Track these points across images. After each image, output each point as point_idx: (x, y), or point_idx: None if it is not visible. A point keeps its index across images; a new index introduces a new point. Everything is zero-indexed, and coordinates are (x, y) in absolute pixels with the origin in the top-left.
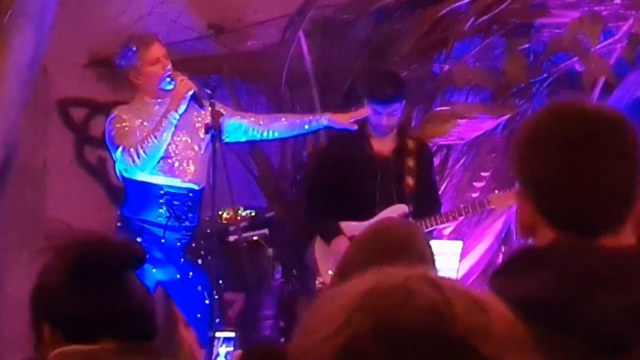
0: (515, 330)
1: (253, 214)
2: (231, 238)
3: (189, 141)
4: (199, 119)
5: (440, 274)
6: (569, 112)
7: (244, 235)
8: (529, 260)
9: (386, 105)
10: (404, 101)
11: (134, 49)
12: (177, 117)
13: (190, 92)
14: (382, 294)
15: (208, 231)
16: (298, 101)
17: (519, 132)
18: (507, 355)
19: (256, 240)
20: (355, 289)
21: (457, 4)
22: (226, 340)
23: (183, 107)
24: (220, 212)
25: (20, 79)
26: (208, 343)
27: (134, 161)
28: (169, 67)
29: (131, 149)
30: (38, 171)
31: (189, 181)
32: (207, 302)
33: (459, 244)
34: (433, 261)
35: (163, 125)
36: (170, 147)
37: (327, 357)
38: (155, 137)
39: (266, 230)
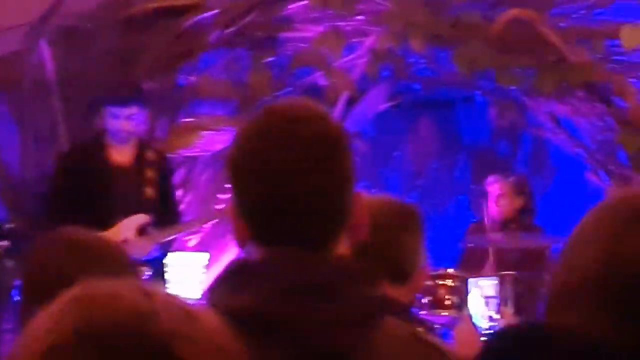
0: (225, 342)
1: None
2: None
3: None
4: None
5: (185, 285)
6: (268, 130)
7: None
8: (242, 273)
9: (123, 107)
10: (145, 109)
11: None
12: None
13: None
14: (86, 299)
15: None
16: (41, 111)
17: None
18: None
19: None
20: (62, 298)
21: (203, 15)
22: None
23: None
24: None
25: None
26: None
27: None
28: None
29: None
30: None
31: None
32: None
33: (205, 256)
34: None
35: None
36: None
37: None
38: None
39: (6, 242)
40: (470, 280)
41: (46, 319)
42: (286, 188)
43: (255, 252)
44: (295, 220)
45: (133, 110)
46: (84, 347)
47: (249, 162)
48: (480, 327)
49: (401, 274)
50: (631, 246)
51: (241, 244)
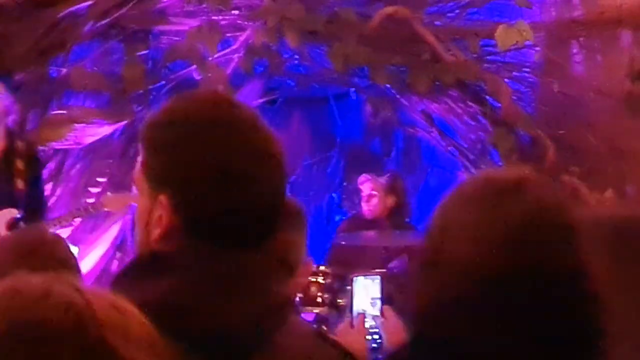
0: (151, 333)
1: None
2: None
3: None
4: None
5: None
6: (218, 118)
7: None
8: (153, 265)
9: None
10: (11, 93)
11: None
12: None
13: None
14: (17, 294)
15: None
16: None
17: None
18: (145, 357)
19: None
20: None
21: (76, 7)
22: None
23: None
24: None
25: None
26: None
27: None
28: None
29: None
30: None
31: None
32: None
33: (74, 250)
34: (77, 271)
35: None
36: None
37: None
38: None
39: None
40: (353, 277)
41: None
42: (239, 188)
43: (174, 243)
44: (243, 220)
45: None
46: (17, 341)
47: (197, 155)
48: (364, 326)
49: (288, 270)
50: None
51: (158, 237)
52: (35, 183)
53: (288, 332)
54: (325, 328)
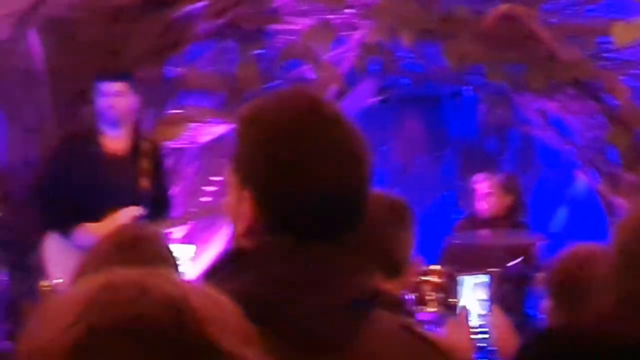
0: (247, 326)
1: None
2: None
3: None
4: None
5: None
6: (301, 115)
7: None
8: (238, 259)
9: (112, 83)
10: (134, 91)
11: None
12: None
13: None
14: (116, 288)
15: None
16: (28, 101)
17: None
18: (241, 349)
19: None
20: (88, 285)
21: (192, 6)
22: None
23: None
24: None
25: None
26: None
27: None
28: None
29: None
30: None
31: None
32: None
33: (192, 248)
34: (175, 266)
35: None
36: None
37: (59, 354)
38: None
39: None
40: (461, 277)
41: (73, 306)
42: (320, 184)
43: (256, 240)
44: (321, 214)
45: (121, 86)
46: (120, 340)
47: (279, 152)
48: (471, 325)
49: (393, 267)
50: None
51: (244, 232)
52: (160, 182)
53: (374, 325)
54: (415, 322)
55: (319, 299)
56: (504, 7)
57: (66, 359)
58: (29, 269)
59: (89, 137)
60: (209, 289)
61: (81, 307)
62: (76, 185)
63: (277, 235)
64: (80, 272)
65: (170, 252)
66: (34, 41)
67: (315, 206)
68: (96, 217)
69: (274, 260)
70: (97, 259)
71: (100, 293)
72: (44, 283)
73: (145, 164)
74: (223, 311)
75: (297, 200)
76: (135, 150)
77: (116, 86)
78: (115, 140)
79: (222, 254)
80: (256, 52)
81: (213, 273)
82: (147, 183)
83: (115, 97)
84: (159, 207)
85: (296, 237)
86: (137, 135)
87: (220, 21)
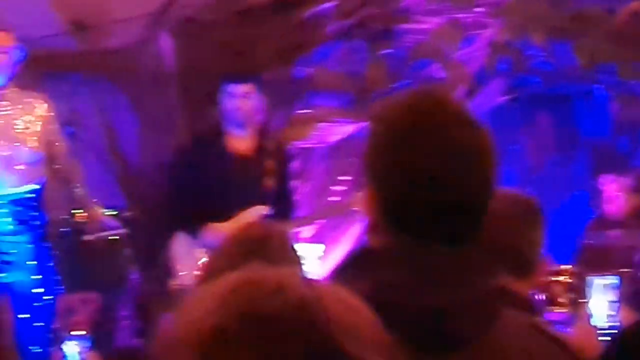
0: (379, 331)
1: (111, 213)
2: (87, 237)
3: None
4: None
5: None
6: (422, 115)
7: (100, 234)
8: (364, 259)
9: (239, 84)
10: (260, 92)
11: None
12: None
13: None
14: (252, 286)
15: (63, 230)
16: (160, 101)
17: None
18: (368, 355)
19: (113, 239)
20: (224, 283)
21: (321, 7)
22: (77, 339)
23: None
24: (74, 211)
25: None
26: (47, 344)
27: None
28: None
29: None
30: None
31: (25, 183)
32: (47, 302)
33: (320, 247)
34: (300, 265)
35: None
36: None
37: (191, 347)
38: None
39: (124, 230)
40: (590, 278)
41: (210, 301)
42: (442, 182)
43: (383, 237)
44: (443, 216)
45: (249, 88)
46: (249, 332)
47: (401, 154)
48: (600, 326)
49: (523, 267)
50: None
51: (370, 231)
52: (284, 182)
53: (501, 324)
54: (543, 321)
55: (445, 299)
56: (635, 5)
57: (200, 352)
58: (159, 268)
59: (215, 137)
60: (345, 292)
61: (215, 303)
62: (203, 185)
63: (401, 235)
64: (209, 271)
65: (296, 252)
66: (165, 43)
67: (438, 207)
68: (223, 216)
69: (400, 261)
70: (225, 258)
71: (235, 290)
72: (173, 282)
73: (270, 163)
74: (356, 316)
75: (419, 200)
76: (260, 150)
77: (243, 88)
78: (240, 140)
79: (349, 253)
80: (385, 51)
81: (340, 272)
82: (272, 182)
83: (242, 99)
84: (283, 206)
85: (420, 237)
86: (262, 135)
87: (349, 21)
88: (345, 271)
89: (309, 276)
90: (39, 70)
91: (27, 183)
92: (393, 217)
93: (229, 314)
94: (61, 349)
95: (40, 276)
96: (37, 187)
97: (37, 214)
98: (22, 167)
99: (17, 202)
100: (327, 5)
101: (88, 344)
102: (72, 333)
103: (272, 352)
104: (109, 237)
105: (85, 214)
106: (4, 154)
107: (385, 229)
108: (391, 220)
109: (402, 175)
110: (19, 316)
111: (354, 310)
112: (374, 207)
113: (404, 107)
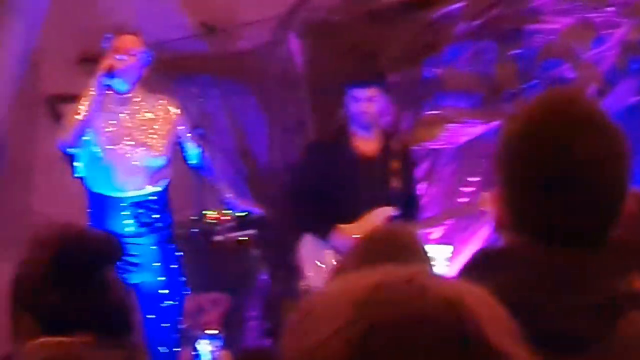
0: (515, 326)
1: (240, 214)
2: (217, 238)
3: (137, 145)
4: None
5: None
6: (556, 115)
7: (230, 235)
8: (491, 261)
9: (364, 88)
10: (385, 94)
11: (110, 35)
12: (89, 93)
13: (105, 71)
14: (394, 287)
15: (192, 231)
16: (288, 102)
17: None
18: (512, 348)
19: (242, 240)
20: (360, 283)
21: (449, 8)
22: (209, 338)
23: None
24: (205, 212)
25: (10, 74)
26: (174, 344)
27: (63, 140)
28: (128, 64)
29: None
30: (26, 167)
31: (147, 186)
32: (173, 302)
33: (449, 249)
34: (431, 266)
35: (81, 100)
36: (118, 159)
37: (338, 353)
38: (76, 113)
39: (253, 231)
40: None
41: (340, 307)
42: (574, 183)
43: (510, 238)
44: (573, 217)
45: (373, 92)
46: (401, 339)
47: (533, 154)
48: None
49: None
50: None
51: (498, 229)
52: (409, 182)
53: (629, 326)
54: None
55: (572, 300)
56: None
57: (347, 356)
58: (289, 268)
59: (341, 138)
60: (480, 289)
61: (359, 305)
62: (329, 186)
63: (529, 236)
64: (340, 273)
65: (426, 252)
66: (294, 44)
67: (569, 208)
68: (349, 218)
69: (529, 262)
70: (355, 260)
71: (377, 291)
72: (301, 283)
73: (395, 164)
74: (495, 311)
75: (550, 201)
76: (386, 151)
77: (367, 92)
78: (366, 142)
79: (476, 253)
80: (514, 51)
81: (464, 273)
82: (398, 183)
83: (366, 103)
84: (410, 207)
85: (548, 238)
86: (388, 137)
87: (478, 22)
88: (470, 272)
89: (439, 275)
90: (170, 73)
91: (150, 185)
92: (522, 217)
93: (374, 318)
94: (191, 348)
95: (166, 277)
96: (160, 189)
97: (159, 216)
98: (145, 169)
99: (140, 204)
100: (456, 5)
101: (220, 343)
102: (205, 332)
103: (425, 354)
104: (239, 238)
105: (216, 215)
106: (128, 156)
107: (514, 230)
108: (520, 221)
109: (533, 175)
110: (146, 317)
111: (493, 306)
112: (503, 207)
113: (538, 107)
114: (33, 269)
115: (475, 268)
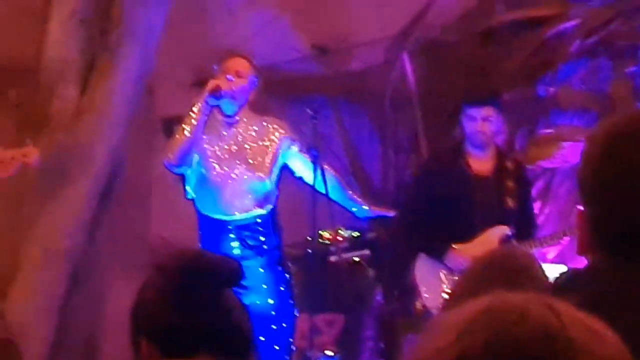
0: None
1: (355, 234)
2: (332, 258)
3: (246, 170)
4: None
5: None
6: (634, 138)
7: (345, 255)
8: (574, 280)
9: (479, 108)
10: (500, 113)
11: (221, 58)
12: (195, 113)
13: (212, 92)
14: (496, 313)
15: (307, 251)
16: (401, 122)
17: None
18: None
19: (357, 261)
20: (469, 308)
21: (563, 26)
22: (325, 359)
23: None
24: (321, 232)
25: (126, 98)
26: None
27: (168, 160)
28: (236, 86)
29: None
30: (143, 190)
31: (252, 209)
32: (284, 324)
33: (563, 269)
34: (550, 291)
35: (186, 120)
36: (223, 181)
37: None
38: (181, 133)
39: (367, 251)
40: None
41: (454, 329)
42: None
43: (591, 259)
44: None
45: (489, 111)
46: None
47: (609, 171)
48: None
49: None
50: None
51: (580, 252)
52: (525, 202)
53: None
54: None
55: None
56: None
57: None
58: (403, 288)
59: (455, 157)
60: (591, 319)
61: (459, 330)
62: (444, 205)
63: (609, 254)
64: (456, 295)
65: (545, 275)
66: (407, 64)
67: None
68: (464, 237)
69: (605, 280)
70: (471, 283)
71: (480, 316)
72: (417, 303)
73: (510, 183)
74: (604, 346)
75: (626, 218)
76: (500, 170)
77: (483, 111)
78: (481, 161)
79: (560, 274)
80: (630, 69)
81: (556, 292)
82: (513, 203)
83: (482, 122)
84: (525, 226)
85: (627, 256)
86: (502, 155)
87: (593, 39)
88: (555, 291)
89: (552, 301)
90: (284, 94)
91: (255, 208)
92: (602, 235)
93: (474, 344)
94: None
95: (274, 300)
96: (265, 212)
97: (265, 238)
98: (250, 191)
99: (244, 227)
100: (570, 23)
101: None
102: (321, 353)
103: None
104: (353, 258)
105: (331, 236)
106: (233, 177)
107: (595, 248)
108: (600, 239)
109: (609, 193)
110: (258, 338)
111: (604, 340)
112: (585, 225)
113: (613, 126)
114: (151, 293)
115: (560, 287)
